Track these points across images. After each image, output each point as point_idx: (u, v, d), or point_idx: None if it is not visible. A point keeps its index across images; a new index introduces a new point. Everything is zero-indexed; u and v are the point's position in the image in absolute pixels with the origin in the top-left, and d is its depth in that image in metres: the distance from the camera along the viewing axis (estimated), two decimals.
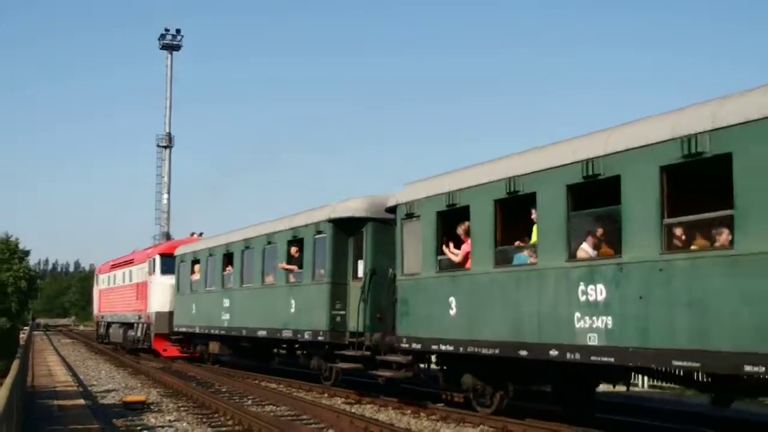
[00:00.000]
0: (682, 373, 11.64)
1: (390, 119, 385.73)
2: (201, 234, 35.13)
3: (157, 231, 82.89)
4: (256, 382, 23.30)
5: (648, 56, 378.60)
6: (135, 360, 33.24)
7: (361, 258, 19.07)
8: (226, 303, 26.10)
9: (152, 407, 18.04)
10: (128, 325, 39.35)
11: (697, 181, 10.97)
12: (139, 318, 36.71)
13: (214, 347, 28.74)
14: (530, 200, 13.36)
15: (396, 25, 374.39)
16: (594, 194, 12.25)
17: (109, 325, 45.43)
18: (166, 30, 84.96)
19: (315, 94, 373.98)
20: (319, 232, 20.23)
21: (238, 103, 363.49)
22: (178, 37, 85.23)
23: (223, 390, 21.85)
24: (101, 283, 48.82)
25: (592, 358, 11.93)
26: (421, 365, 17.53)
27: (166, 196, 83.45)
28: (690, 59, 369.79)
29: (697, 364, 10.52)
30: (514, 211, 13.93)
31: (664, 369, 11.59)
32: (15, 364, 20.04)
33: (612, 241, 11.96)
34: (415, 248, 16.40)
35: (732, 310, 9.85)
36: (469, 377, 15.24)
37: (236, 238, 26.01)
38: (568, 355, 12.33)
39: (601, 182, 11.94)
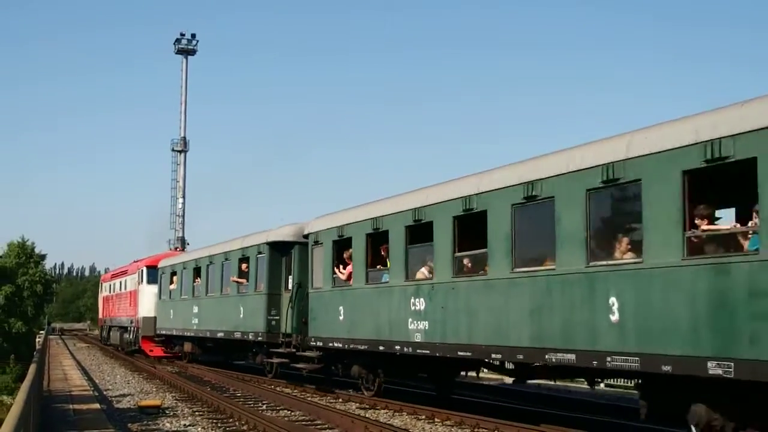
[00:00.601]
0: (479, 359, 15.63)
1: (408, 118, 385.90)
2: (184, 248, 41.61)
3: (172, 235, 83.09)
4: (271, 387, 23.35)
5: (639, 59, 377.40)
6: (150, 365, 33.37)
7: (291, 273, 23.56)
8: (195, 309, 30.98)
9: (167, 412, 18.10)
10: (124, 329, 43.96)
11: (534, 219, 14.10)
12: (131, 322, 41.31)
13: (188, 347, 33.58)
14: (385, 236, 18.05)
15: (416, 24, 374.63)
16: (423, 230, 16.67)
17: (110, 328, 50.32)
18: (182, 34, 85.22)
19: (330, 94, 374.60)
20: (260, 252, 24.92)
21: (251, 104, 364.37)
22: (194, 42, 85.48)
23: (238, 394, 21.89)
24: (104, 291, 54.63)
25: (418, 351, 16.47)
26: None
27: (181, 200, 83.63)
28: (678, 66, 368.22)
29: (469, 354, 15.02)
30: (378, 242, 18.62)
31: (450, 356, 15.70)
32: (32, 369, 20.13)
33: (432, 267, 16.40)
34: (319, 268, 21.15)
35: (484, 316, 14.50)
36: (357, 367, 20.05)
37: (203, 255, 31.01)
38: (405, 349, 16.90)
39: (424, 225, 16.58)
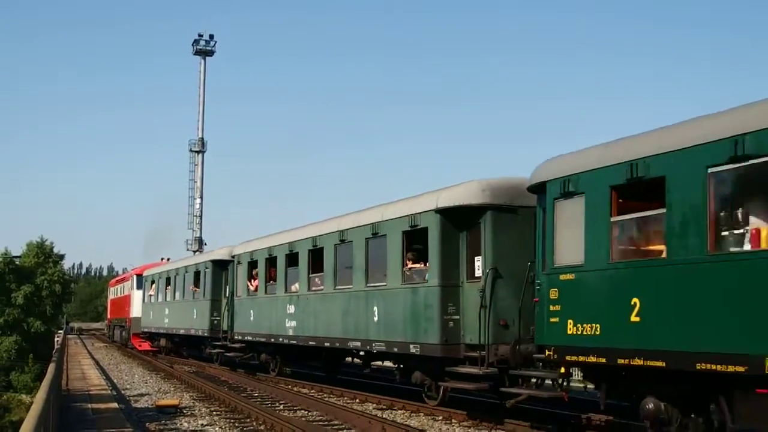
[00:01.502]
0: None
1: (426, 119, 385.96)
2: (201, 248, 47.83)
3: (190, 235, 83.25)
4: (288, 387, 23.39)
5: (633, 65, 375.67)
6: (168, 364, 33.53)
7: (227, 284, 29.85)
8: (167, 311, 38.15)
9: (185, 411, 18.18)
10: (122, 327, 52.81)
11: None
12: (125, 321, 49.99)
13: (162, 341, 40.59)
14: (275, 260, 24.90)
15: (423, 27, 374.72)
16: (294, 258, 23.51)
17: (114, 327, 59.80)
18: (200, 35, 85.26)
19: (347, 95, 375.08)
20: (206, 268, 31.56)
21: (268, 105, 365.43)
22: (212, 43, 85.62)
23: (255, 394, 21.94)
24: (111, 294, 64.15)
25: (291, 342, 23.23)
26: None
27: (198, 200, 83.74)
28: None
29: (327, 344, 21.06)
30: (272, 264, 25.38)
31: (314, 345, 21.91)
32: (51, 368, 20.28)
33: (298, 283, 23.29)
34: (240, 281, 28.02)
35: (334, 316, 20.55)
36: (264, 355, 26.76)
37: (172, 267, 38.74)
38: (282, 340, 23.88)
39: (294, 254, 23.57)
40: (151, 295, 41.94)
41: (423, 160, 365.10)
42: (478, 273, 15.54)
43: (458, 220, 16.01)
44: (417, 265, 17.21)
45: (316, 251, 21.78)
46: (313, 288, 21.97)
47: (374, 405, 19.06)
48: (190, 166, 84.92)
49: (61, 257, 66.75)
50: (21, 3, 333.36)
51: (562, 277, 12.69)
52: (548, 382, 14.10)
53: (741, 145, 9.97)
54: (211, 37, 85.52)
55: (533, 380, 14.27)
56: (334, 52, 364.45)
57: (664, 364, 10.80)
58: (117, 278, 61.67)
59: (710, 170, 10.37)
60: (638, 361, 11.12)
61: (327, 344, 20.85)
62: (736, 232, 10.30)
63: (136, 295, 46.25)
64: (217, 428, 15.81)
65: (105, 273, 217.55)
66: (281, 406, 19.19)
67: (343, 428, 15.85)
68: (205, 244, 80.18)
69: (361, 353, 20.46)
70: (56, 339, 59.08)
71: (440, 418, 16.63)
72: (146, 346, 43.58)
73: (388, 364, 22.20)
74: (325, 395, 21.32)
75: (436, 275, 16.06)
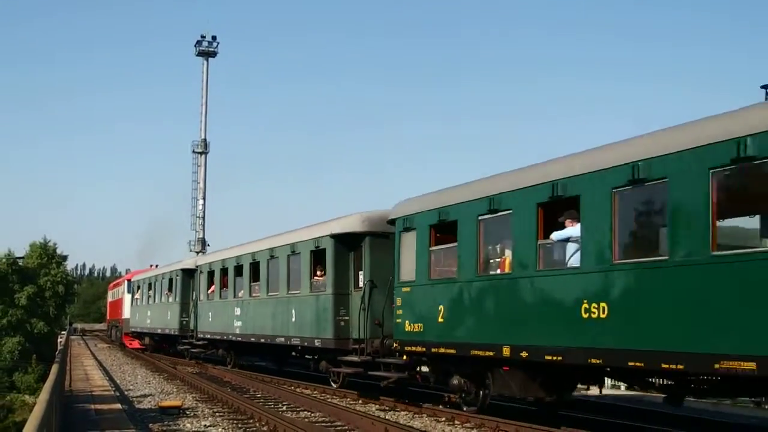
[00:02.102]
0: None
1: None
2: (205, 249, 60.66)
3: (193, 236, 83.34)
4: (291, 388, 23.39)
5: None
6: (171, 365, 33.56)
7: (194, 290, 34.80)
8: (149, 313, 43.86)
9: (188, 412, 18.16)
10: (117, 327, 58.95)
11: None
12: (119, 322, 56.49)
13: (146, 340, 45.86)
14: (226, 270, 30.14)
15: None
16: (240, 269, 28.81)
17: (112, 327, 65.44)
18: (202, 37, 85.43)
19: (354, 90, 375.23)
20: (176, 275, 37.53)
21: (271, 106, 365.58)
22: (214, 44, 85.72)
23: (258, 395, 21.93)
24: (109, 297, 70.16)
25: (239, 338, 28.00)
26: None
27: (201, 201, 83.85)
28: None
29: (262, 340, 25.62)
30: (224, 275, 30.59)
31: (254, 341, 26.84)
32: (54, 369, 20.30)
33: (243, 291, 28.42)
34: (204, 287, 32.71)
35: (267, 317, 25.44)
36: (221, 350, 31.66)
37: (152, 274, 45.19)
38: (232, 337, 28.88)
39: (240, 266, 28.75)
40: (137, 299, 48.41)
41: (428, 164, 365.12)
42: (360, 284, 20.23)
43: (347, 243, 20.87)
44: (320, 278, 22.11)
45: (255, 264, 26.86)
46: (253, 294, 26.98)
47: (377, 406, 19.04)
48: (193, 167, 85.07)
49: (64, 258, 66.95)
50: (36, 24, 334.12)
51: (404, 289, 17.54)
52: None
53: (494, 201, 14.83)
54: (214, 38, 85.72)
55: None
56: (338, 57, 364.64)
57: (454, 351, 15.61)
58: (114, 282, 69.24)
59: (480, 217, 15.13)
60: (442, 350, 15.99)
61: (262, 340, 25.83)
62: (492, 261, 15.19)
63: (127, 299, 52.17)
64: (220, 429, 15.80)
65: (108, 274, 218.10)
66: (284, 407, 19.18)
67: (346, 429, 15.82)
68: (208, 245, 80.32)
69: (299, 347, 23.97)
70: (59, 340, 59.20)
71: (443, 419, 16.61)
72: (136, 344, 49.08)
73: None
74: (327, 396, 21.31)
75: (331, 285, 21.04)
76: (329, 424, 16.49)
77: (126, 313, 51.60)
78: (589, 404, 18.26)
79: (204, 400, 20.78)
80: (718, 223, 10.56)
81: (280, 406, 19.56)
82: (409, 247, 17.37)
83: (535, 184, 13.80)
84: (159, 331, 41.05)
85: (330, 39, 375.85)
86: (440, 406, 17.40)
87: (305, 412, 18.31)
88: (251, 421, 16.83)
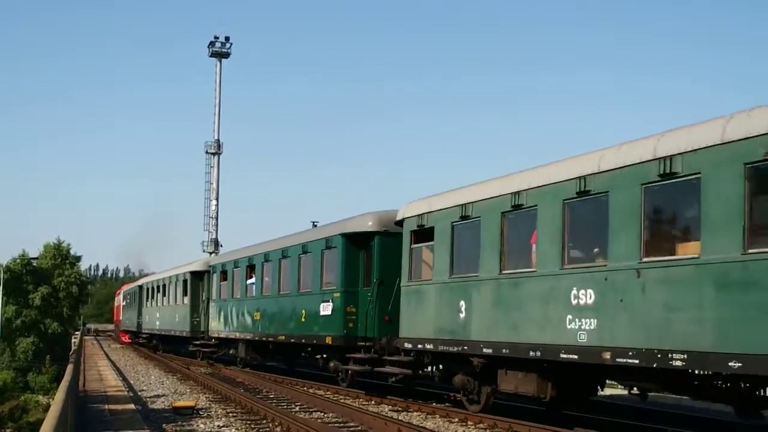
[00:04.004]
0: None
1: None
2: (217, 250, 75.63)
3: (206, 237, 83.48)
4: (305, 389, 23.43)
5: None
6: (184, 366, 33.67)
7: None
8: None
9: (201, 413, 18.21)
10: (117, 327, 73.20)
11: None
12: (117, 323, 73.31)
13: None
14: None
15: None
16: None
17: (116, 327, 76.63)
18: (215, 37, 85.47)
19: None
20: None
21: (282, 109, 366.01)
22: (227, 45, 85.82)
23: (271, 396, 21.98)
24: (116, 302, 78.12)
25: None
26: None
27: (214, 202, 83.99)
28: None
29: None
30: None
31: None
32: (69, 369, 20.41)
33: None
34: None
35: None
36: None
37: (142, 282, 53.34)
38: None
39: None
40: (124, 305, 63.33)
41: (443, 160, 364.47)
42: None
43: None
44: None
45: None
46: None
47: (390, 407, 19.06)
48: (206, 168, 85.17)
49: (78, 259, 67.11)
50: (39, 17, 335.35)
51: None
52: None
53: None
54: (227, 39, 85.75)
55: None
56: (351, 55, 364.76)
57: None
58: (119, 290, 78.34)
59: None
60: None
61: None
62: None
63: (121, 305, 67.53)
64: (233, 429, 15.84)
65: (121, 275, 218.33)
66: (297, 408, 19.21)
67: (359, 430, 15.84)
68: (221, 246, 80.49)
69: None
70: (73, 340, 59.44)
71: (456, 420, 16.62)
72: (127, 339, 63.29)
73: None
74: (340, 397, 21.33)
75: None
76: (342, 424, 16.51)
77: (119, 316, 69.53)
78: (597, 405, 18.18)
79: (217, 401, 20.84)
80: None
81: (293, 406, 19.59)
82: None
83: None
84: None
85: (343, 35, 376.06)
86: (445, 404, 17.83)
87: (318, 413, 18.35)
88: (264, 421, 16.87)
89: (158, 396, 22.23)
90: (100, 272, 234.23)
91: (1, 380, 44.53)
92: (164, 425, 16.30)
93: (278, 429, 15.86)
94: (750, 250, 10.22)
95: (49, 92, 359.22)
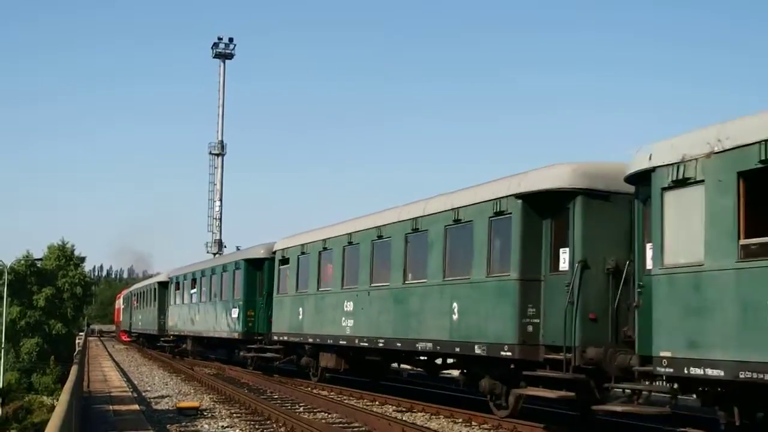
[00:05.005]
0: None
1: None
2: (221, 250, 77.61)
3: (210, 238, 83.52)
4: (308, 389, 23.43)
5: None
6: (188, 366, 33.69)
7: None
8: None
9: (205, 413, 18.21)
10: (118, 327, 75.82)
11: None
12: (119, 324, 76.24)
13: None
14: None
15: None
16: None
17: (117, 327, 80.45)
18: (219, 39, 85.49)
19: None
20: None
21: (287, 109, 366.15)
22: (231, 46, 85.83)
23: (275, 397, 21.98)
24: (117, 305, 79.74)
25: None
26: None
27: (218, 203, 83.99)
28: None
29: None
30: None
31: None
32: (73, 370, 20.41)
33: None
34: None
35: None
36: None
37: (135, 288, 60.06)
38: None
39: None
40: (123, 307, 67.85)
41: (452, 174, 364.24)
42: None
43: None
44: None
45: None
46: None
47: (394, 407, 19.05)
48: (210, 169, 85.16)
49: (82, 260, 67.20)
50: (45, 19, 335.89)
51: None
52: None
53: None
54: (231, 40, 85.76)
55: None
56: (354, 57, 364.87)
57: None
58: (119, 294, 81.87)
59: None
60: None
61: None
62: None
63: (121, 308, 71.41)
64: (237, 430, 15.84)
65: (125, 275, 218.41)
66: (301, 408, 19.21)
67: (363, 430, 15.85)
68: (225, 247, 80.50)
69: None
70: (77, 341, 59.49)
71: (460, 420, 16.60)
72: (125, 338, 66.76)
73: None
74: (344, 397, 21.33)
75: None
76: (346, 424, 16.52)
77: (119, 317, 73.73)
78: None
79: (221, 401, 20.85)
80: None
81: (297, 407, 19.59)
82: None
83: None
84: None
85: (346, 37, 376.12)
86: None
87: (322, 413, 18.35)
88: (269, 422, 16.87)
89: (162, 397, 22.24)
90: (104, 273, 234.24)
91: (5, 381, 44.62)
92: (168, 426, 16.31)
93: (282, 429, 15.87)
94: (407, 282, 18.75)
95: (51, 93, 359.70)
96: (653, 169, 11.48)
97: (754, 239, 9.91)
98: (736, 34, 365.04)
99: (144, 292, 52.54)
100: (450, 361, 18.90)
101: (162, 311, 44.56)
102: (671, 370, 10.93)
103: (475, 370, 16.42)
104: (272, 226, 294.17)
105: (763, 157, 9.73)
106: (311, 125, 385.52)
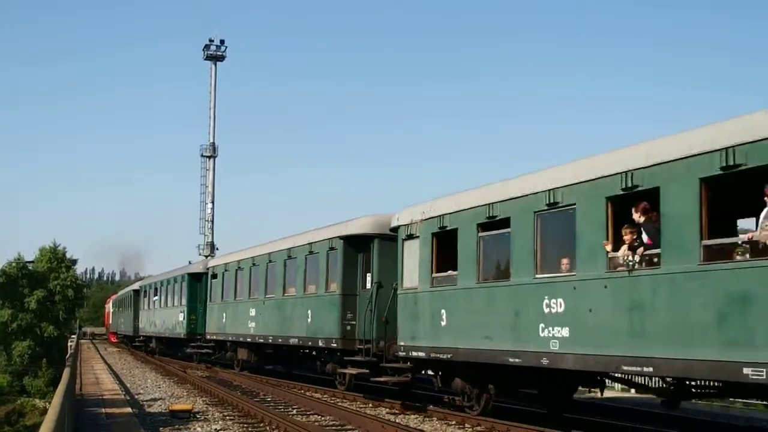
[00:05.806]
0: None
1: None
2: (213, 253, 77.08)
3: (202, 240, 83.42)
4: (302, 392, 23.43)
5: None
6: (181, 369, 33.64)
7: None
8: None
9: (198, 416, 18.19)
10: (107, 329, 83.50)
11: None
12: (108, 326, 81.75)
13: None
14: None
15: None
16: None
17: (108, 329, 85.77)
18: (210, 40, 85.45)
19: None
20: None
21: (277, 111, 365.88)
22: (223, 48, 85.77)
23: (268, 399, 21.96)
24: (107, 308, 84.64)
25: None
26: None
27: (210, 205, 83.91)
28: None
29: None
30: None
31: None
32: (65, 373, 20.36)
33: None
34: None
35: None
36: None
37: (120, 294, 66.78)
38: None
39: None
40: (113, 308, 72.35)
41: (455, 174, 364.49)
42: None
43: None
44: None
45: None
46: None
47: (387, 410, 19.07)
48: (202, 171, 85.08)
49: (74, 262, 66.84)
50: (39, 23, 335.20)
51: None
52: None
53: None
54: (222, 42, 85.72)
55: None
56: (345, 59, 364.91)
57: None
58: (109, 298, 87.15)
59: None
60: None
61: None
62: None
63: (110, 311, 76.88)
64: None
65: (117, 278, 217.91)
66: (294, 411, 19.21)
67: None
68: (217, 249, 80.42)
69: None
70: (69, 344, 59.31)
71: (453, 422, 16.63)
72: (113, 338, 73.68)
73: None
74: (338, 400, 21.33)
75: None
76: (339, 427, 16.52)
77: (109, 320, 78.98)
78: (594, 407, 18.31)
79: (214, 404, 20.82)
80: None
81: (290, 409, 19.58)
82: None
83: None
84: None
85: (337, 39, 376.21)
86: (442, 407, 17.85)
87: (315, 416, 18.34)
88: (262, 424, 16.86)
89: (155, 399, 22.19)
90: (96, 275, 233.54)
91: None
92: (161, 429, 16.29)
93: None
94: (285, 294, 25.37)
95: (43, 96, 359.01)
96: (398, 227, 18.56)
97: (437, 273, 16.90)
98: (736, 34, 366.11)
99: (124, 298, 61.51)
100: (307, 351, 25.22)
101: (136, 315, 51.73)
102: (405, 353, 17.95)
103: (324, 358, 23.37)
104: (263, 228, 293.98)
105: (441, 225, 16.70)
106: (303, 127, 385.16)
